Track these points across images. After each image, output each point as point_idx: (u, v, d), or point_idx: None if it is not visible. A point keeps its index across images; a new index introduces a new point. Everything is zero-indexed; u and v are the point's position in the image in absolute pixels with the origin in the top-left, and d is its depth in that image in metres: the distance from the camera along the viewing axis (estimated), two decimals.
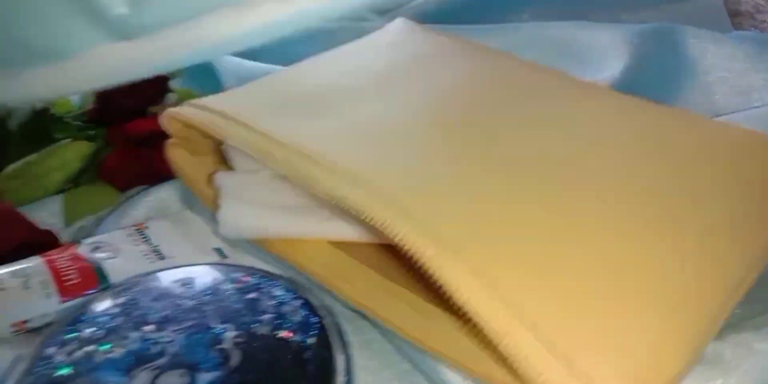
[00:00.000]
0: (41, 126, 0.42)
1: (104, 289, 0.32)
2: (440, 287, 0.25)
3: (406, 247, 0.26)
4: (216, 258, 0.36)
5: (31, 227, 0.36)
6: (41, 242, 0.36)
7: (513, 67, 0.40)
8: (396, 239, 0.26)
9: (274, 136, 0.32)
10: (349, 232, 0.35)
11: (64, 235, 0.39)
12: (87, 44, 0.30)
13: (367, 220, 0.27)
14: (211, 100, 0.36)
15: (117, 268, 0.33)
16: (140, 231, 0.36)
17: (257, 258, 0.37)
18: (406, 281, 0.33)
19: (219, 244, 0.37)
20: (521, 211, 0.28)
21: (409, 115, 0.34)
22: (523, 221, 0.28)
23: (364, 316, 0.34)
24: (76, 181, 0.42)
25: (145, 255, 0.35)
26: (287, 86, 0.38)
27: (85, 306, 0.28)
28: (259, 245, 0.36)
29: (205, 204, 0.38)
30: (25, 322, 0.31)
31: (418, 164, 0.30)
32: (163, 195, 0.40)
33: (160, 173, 0.41)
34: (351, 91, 0.36)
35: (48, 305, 0.31)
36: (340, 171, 0.29)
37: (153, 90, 0.44)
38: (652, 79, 0.44)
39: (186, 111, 0.36)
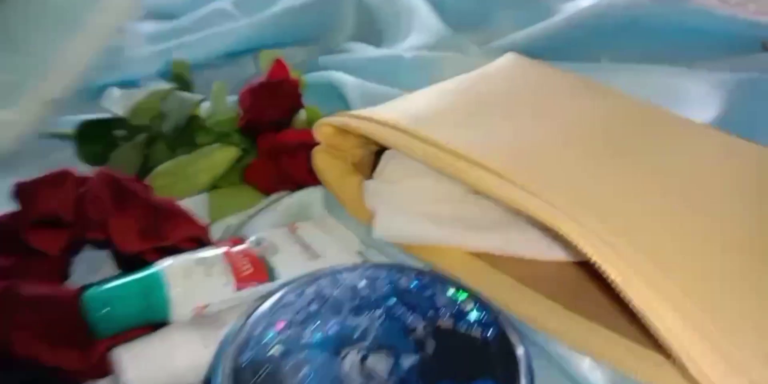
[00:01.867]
0: (189, 131, 0.45)
1: (272, 281, 0.35)
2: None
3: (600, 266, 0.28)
4: (360, 259, 0.38)
5: (194, 221, 0.39)
6: (200, 237, 0.38)
7: (631, 103, 0.43)
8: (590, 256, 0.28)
9: (444, 144, 0.34)
10: (490, 244, 0.37)
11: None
12: None
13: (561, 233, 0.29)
14: (370, 112, 0.38)
15: (281, 263, 0.36)
16: (293, 231, 0.39)
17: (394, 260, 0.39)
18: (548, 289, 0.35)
19: (360, 246, 0.39)
20: (681, 226, 0.31)
21: (556, 136, 0.37)
22: (682, 234, 0.30)
23: None
24: (217, 183, 0.45)
25: (301, 253, 0.37)
26: (434, 103, 0.40)
27: (276, 294, 0.30)
28: (406, 250, 0.38)
29: (346, 207, 0.40)
30: (205, 306, 0.33)
31: (583, 180, 0.32)
32: (305, 200, 0.42)
33: (296, 181, 0.43)
34: (495, 110, 0.39)
35: (225, 292, 0.34)
36: (514, 181, 0.31)
37: (289, 104, 0.46)
38: (744, 125, 0.46)
39: (347, 120, 0.38)
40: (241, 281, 0.34)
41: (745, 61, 0.60)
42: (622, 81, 0.53)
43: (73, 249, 0.38)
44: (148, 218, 0.37)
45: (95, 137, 0.47)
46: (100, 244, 0.38)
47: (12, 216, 0.37)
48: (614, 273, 0.27)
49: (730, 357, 0.26)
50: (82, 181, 0.37)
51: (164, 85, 0.48)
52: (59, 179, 0.37)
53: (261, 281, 0.34)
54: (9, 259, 0.36)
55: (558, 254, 0.37)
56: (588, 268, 0.36)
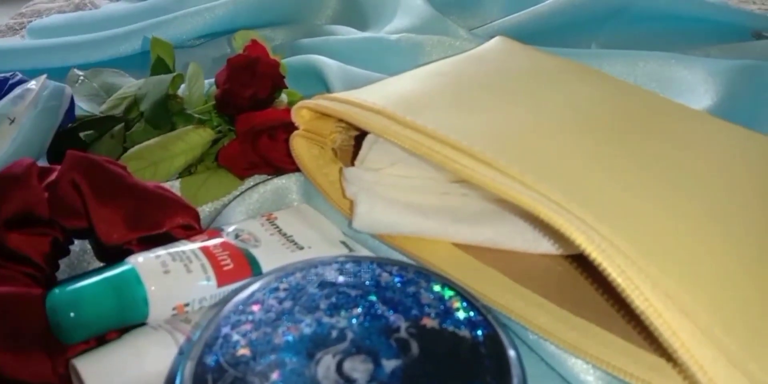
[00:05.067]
0: (167, 107, 0.42)
1: (257, 276, 0.31)
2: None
3: (595, 259, 0.25)
4: (344, 250, 0.35)
5: (187, 206, 0.35)
6: (192, 224, 0.34)
7: (626, 88, 0.40)
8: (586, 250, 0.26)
9: (426, 129, 0.31)
10: (477, 236, 0.34)
11: None
12: None
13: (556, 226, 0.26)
14: (350, 95, 0.35)
15: (264, 256, 0.32)
16: (271, 221, 0.36)
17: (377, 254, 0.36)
18: (532, 284, 0.33)
19: (343, 237, 0.36)
20: (683, 222, 0.28)
21: (550, 122, 0.34)
22: (683, 232, 0.28)
23: None
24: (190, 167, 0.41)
25: (283, 244, 0.34)
26: (417, 86, 0.37)
27: (246, 290, 0.28)
28: (384, 241, 0.35)
29: (326, 196, 0.37)
30: (185, 305, 0.30)
31: (580, 171, 0.30)
32: (282, 187, 0.39)
33: (274, 165, 0.40)
34: (485, 95, 0.36)
35: (207, 290, 0.30)
36: (507, 172, 0.28)
37: (270, 81, 0.43)
38: (741, 112, 0.44)
39: (325, 103, 0.35)
40: (223, 277, 0.31)
41: (738, 48, 0.58)
42: (614, 67, 0.50)
43: (58, 252, 0.34)
44: (136, 204, 0.33)
45: (65, 144, 0.44)
46: (82, 234, 0.34)
47: None
48: (616, 273, 0.24)
49: (749, 372, 0.24)
50: (47, 170, 0.34)
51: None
52: (22, 172, 0.33)
53: (244, 277, 0.31)
54: None
55: (547, 247, 0.34)
56: (579, 261, 0.34)
